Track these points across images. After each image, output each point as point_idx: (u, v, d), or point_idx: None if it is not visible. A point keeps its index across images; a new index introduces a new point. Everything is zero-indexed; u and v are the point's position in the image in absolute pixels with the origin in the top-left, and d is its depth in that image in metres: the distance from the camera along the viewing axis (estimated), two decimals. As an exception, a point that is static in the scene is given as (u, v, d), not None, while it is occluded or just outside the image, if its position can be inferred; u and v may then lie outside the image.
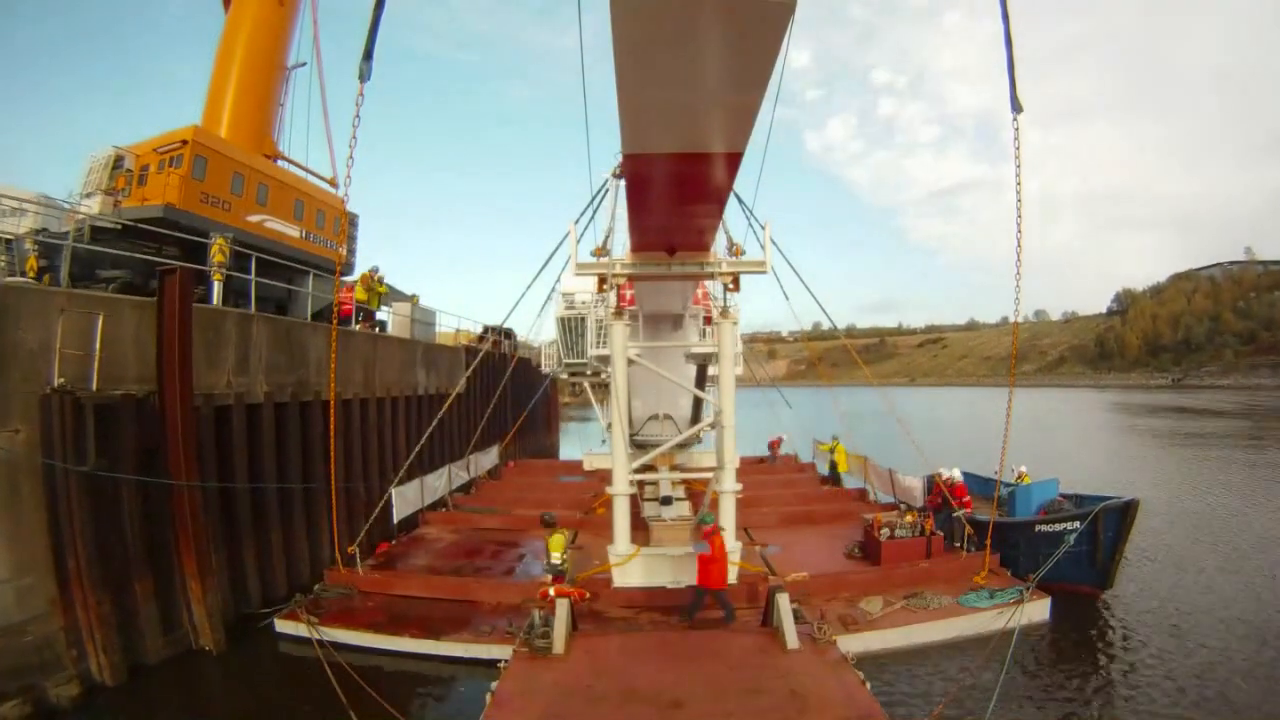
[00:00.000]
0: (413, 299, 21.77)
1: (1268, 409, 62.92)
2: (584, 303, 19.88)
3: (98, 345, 9.14)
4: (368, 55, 5.96)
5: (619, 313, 11.00)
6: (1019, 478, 14.80)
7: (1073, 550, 11.50)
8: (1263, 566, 14.05)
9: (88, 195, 14.22)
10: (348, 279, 18.44)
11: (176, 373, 9.91)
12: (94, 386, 9.06)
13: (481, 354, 21.24)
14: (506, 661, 8.09)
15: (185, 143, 14.29)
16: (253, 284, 13.11)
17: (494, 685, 7.50)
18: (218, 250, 12.53)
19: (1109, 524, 11.65)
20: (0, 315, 8.36)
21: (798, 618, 8.72)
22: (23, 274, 11.03)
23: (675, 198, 8.10)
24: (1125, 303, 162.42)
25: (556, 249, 12.44)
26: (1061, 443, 38.79)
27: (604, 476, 15.45)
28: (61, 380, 8.67)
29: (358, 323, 17.52)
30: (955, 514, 13.12)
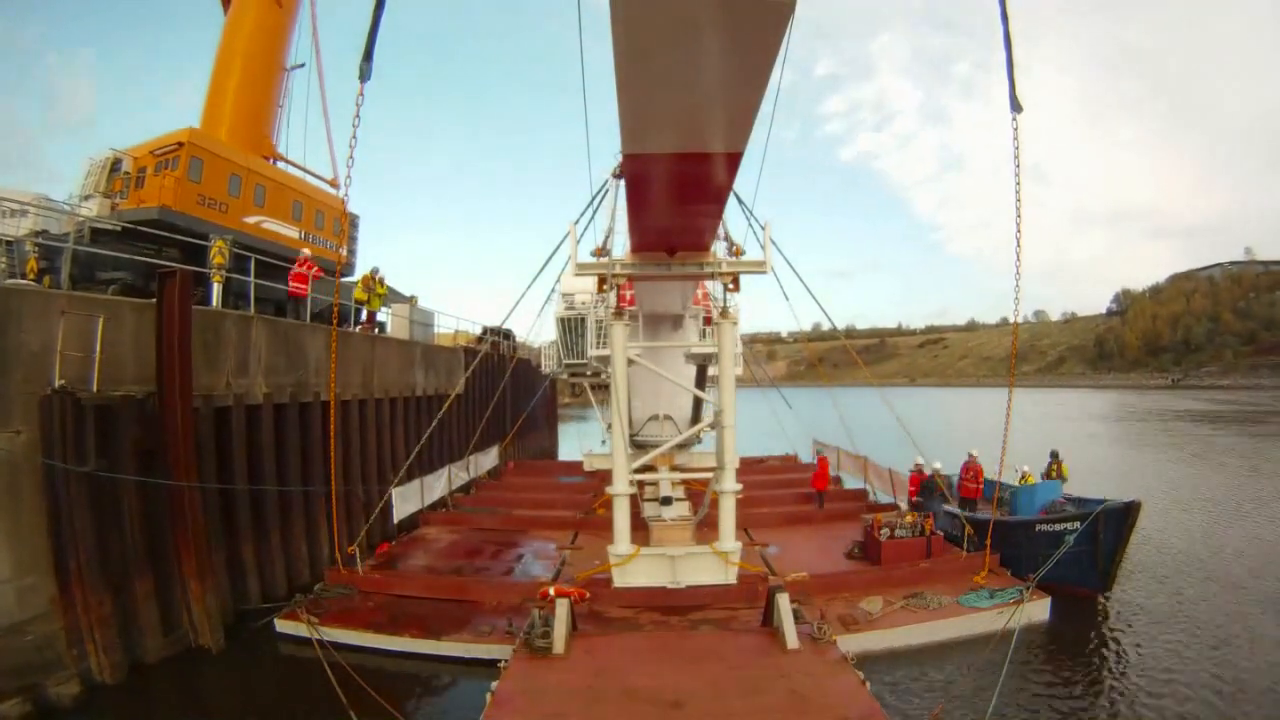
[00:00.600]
0: (411, 300, 21.78)
1: (1269, 409, 62.86)
2: (584, 303, 19.85)
3: (98, 347, 9.14)
4: (368, 55, 5.91)
5: (619, 313, 11.00)
6: (1023, 478, 14.76)
7: (1073, 551, 11.38)
8: (1264, 568, 14.04)
9: (86, 197, 14.25)
10: (348, 280, 18.44)
11: (176, 374, 9.91)
12: (94, 388, 9.07)
13: (480, 355, 21.25)
14: (506, 661, 8.08)
15: (181, 145, 14.32)
16: (252, 286, 13.11)
17: (494, 685, 7.49)
18: (217, 252, 12.54)
19: (1110, 525, 11.54)
20: (2, 317, 8.37)
21: (798, 618, 8.70)
22: (23, 276, 11.05)
23: (675, 198, 8.10)
24: (1125, 303, 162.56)
25: (556, 249, 12.44)
26: (1065, 444, 38.70)
27: (604, 477, 15.45)
28: (62, 381, 8.67)
29: (358, 324, 17.53)
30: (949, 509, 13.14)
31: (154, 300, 10.13)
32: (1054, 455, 15.53)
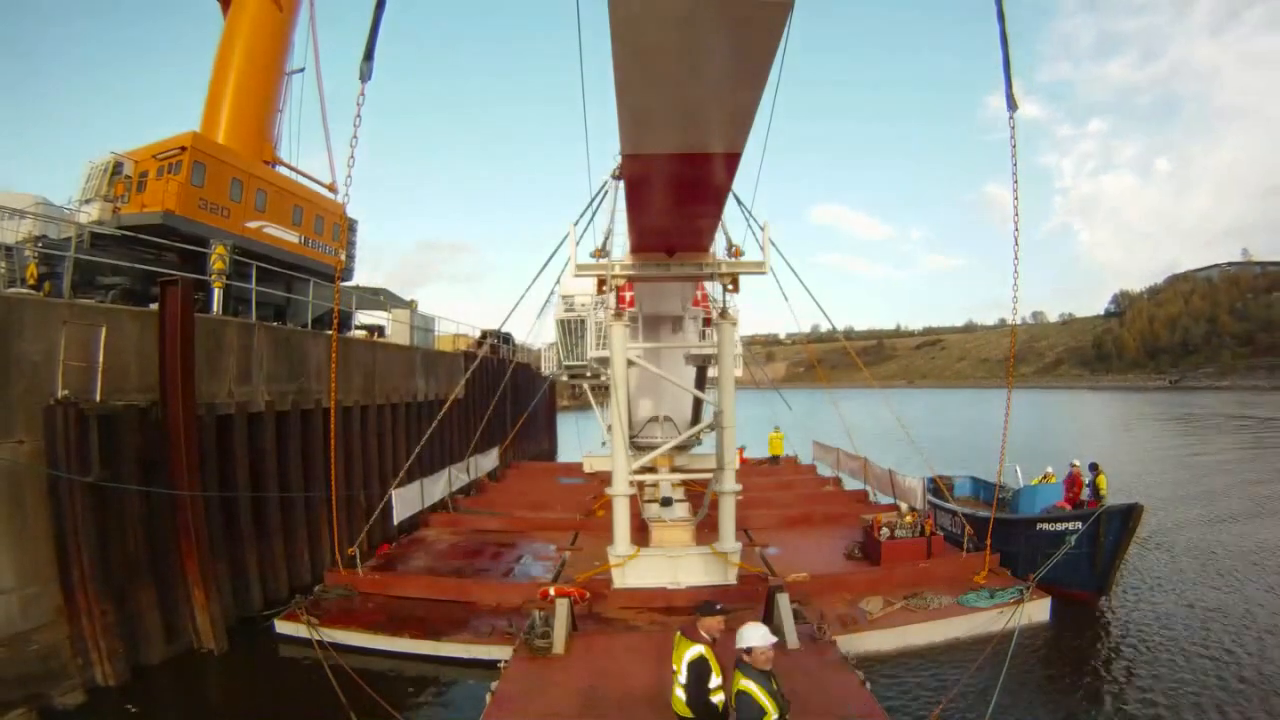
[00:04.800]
0: (411, 304, 21.82)
1: (1269, 413, 62.92)
2: (583, 305, 19.88)
3: (100, 356, 9.12)
4: (368, 55, 5.92)
5: (619, 314, 11.04)
6: (1045, 478, 14.65)
7: (1073, 552, 11.21)
8: (1264, 571, 14.04)
9: (87, 202, 14.24)
10: (347, 284, 18.49)
11: (179, 383, 9.91)
12: (97, 397, 9.06)
13: (480, 358, 21.29)
14: (506, 662, 8.10)
15: (184, 149, 14.31)
16: (253, 292, 13.12)
17: (494, 685, 7.50)
18: (217, 258, 12.55)
19: (1111, 527, 11.43)
20: (4, 326, 8.35)
21: (798, 618, 8.72)
22: (22, 281, 11.04)
23: (674, 198, 8.15)
24: (1123, 304, 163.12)
25: (555, 251, 12.49)
26: (1067, 447, 38.80)
27: (604, 478, 15.46)
28: (65, 391, 8.66)
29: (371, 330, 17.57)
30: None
31: (155, 307, 10.15)
32: (1094, 467, 14.37)
